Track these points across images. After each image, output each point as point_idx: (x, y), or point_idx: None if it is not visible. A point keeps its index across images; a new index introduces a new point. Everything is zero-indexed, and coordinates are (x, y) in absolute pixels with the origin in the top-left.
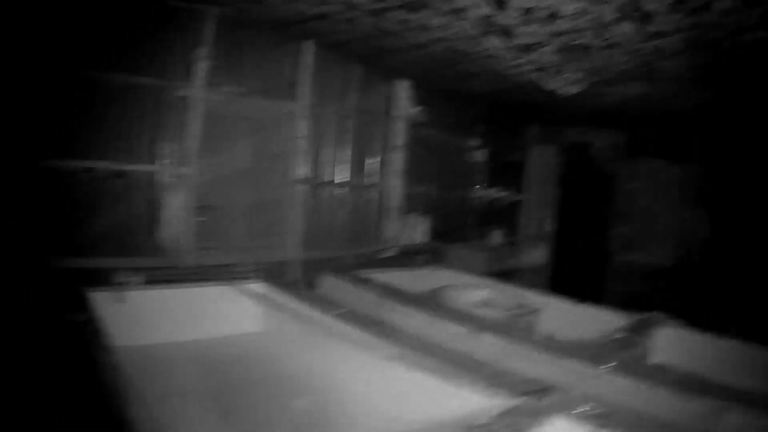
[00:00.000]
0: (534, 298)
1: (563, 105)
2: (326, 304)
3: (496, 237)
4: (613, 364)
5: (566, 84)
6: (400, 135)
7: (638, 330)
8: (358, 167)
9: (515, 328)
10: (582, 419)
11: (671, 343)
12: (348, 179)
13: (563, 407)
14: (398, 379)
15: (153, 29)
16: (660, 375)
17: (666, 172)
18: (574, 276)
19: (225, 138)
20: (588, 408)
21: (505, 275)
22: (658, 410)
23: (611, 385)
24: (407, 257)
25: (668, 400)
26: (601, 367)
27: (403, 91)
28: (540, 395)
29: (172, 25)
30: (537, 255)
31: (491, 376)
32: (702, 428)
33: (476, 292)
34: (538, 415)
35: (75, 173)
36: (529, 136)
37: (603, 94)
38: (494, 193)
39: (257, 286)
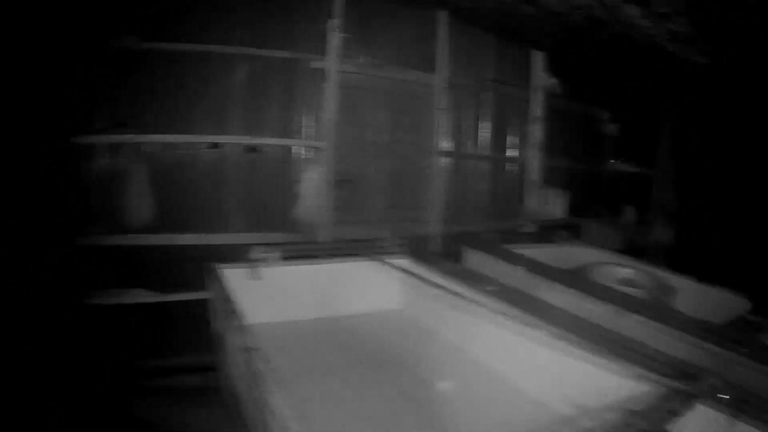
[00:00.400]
0: (671, 277)
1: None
2: (474, 279)
3: (629, 213)
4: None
5: (699, 55)
6: (537, 107)
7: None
8: (496, 140)
9: (658, 308)
10: (726, 406)
11: None
12: (487, 152)
13: (711, 392)
14: (547, 360)
15: (285, 1)
16: None
17: None
18: (707, 256)
19: (362, 110)
20: (730, 395)
21: (639, 253)
22: None
23: (752, 371)
24: (546, 232)
25: None
26: (742, 352)
27: (538, 62)
28: (690, 380)
29: None
30: (668, 232)
31: (641, 359)
32: None
33: (619, 270)
34: (690, 400)
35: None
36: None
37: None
38: (627, 167)
39: (400, 261)
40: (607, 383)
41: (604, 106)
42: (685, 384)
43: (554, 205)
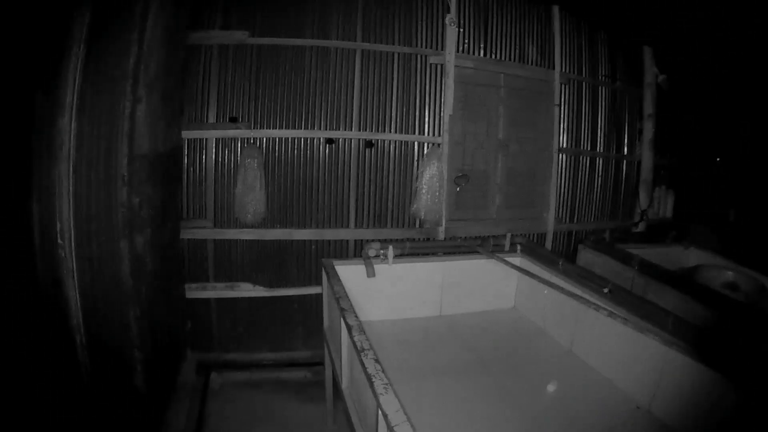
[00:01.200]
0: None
1: None
2: (589, 279)
3: (733, 216)
4: None
5: None
6: (649, 104)
7: None
8: (610, 137)
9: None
10: None
11: None
12: (602, 150)
13: None
14: (656, 364)
15: None
16: None
17: None
18: None
19: (480, 106)
20: None
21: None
22: None
23: None
24: (656, 232)
25: None
26: None
27: (650, 59)
28: None
29: None
30: None
31: (749, 369)
32: None
33: (723, 273)
34: None
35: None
36: None
37: None
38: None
39: (515, 260)
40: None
41: (719, 106)
42: None
43: (664, 204)
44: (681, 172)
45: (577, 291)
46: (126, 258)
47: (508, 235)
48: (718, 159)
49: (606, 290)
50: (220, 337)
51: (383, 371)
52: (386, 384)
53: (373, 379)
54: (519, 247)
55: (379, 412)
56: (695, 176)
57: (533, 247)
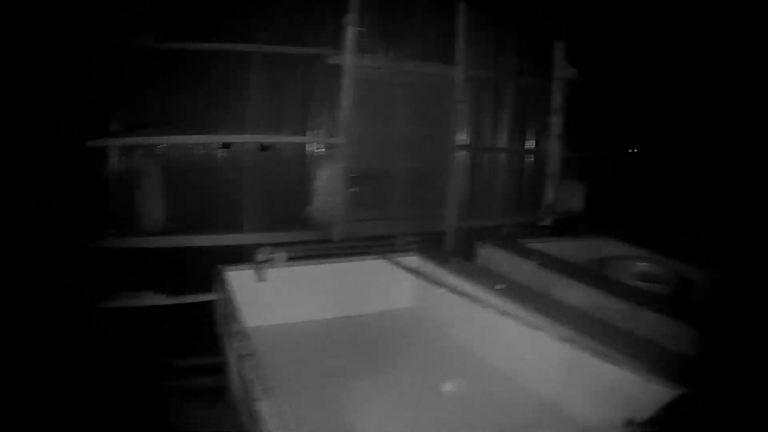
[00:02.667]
0: (692, 270)
1: None
2: (483, 277)
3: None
4: None
5: None
6: (557, 98)
7: None
8: (516, 132)
9: (674, 303)
10: None
11: None
12: (507, 144)
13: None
14: (558, 359)
15: None
16: None
17: None
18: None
19: (380, 105)
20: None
21: (666, 245)
22: None
23: None
24: (565, 226)
25: None
26: None
27: (559, 52)
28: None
29: None
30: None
31: (653, 360)
32: None
33: (636, 264)
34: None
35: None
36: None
37: None
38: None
39: (410, 259)
40: (614, 385)
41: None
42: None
43: (573, 197)
44: (595, 165)
45: (470, 289)
46: None
47: (403, 234)
48: (633, 150)
49: (498, 287)
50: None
51: (263, 377)
52: (265, 389)
53: (252, 385)
54: (414, 246)
55: (258, 419)
56: (611, 168)
57: (432, 245)
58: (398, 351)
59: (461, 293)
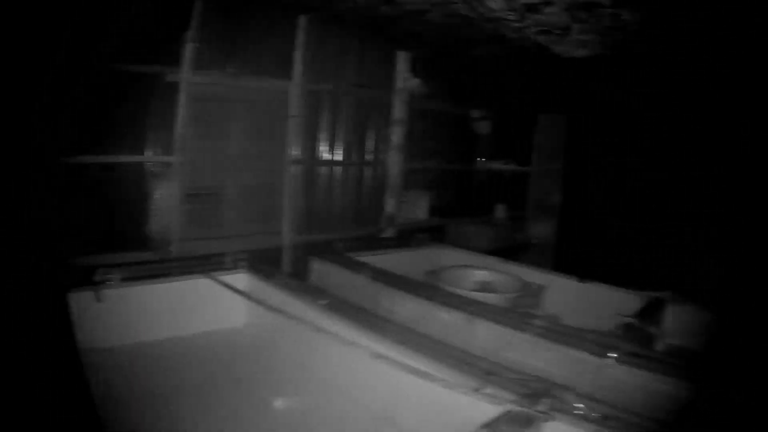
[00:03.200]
0: (538, 276)
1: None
2: (312, 293)
3: (501, 212)
4: (616, 354)
5: (575, 47)
6: (399, 109)
7: (647, 313)
8: (356, 144)
9: (515, 313)
10: (582, 419)
11: (684, 325)
12: (345, 157)
13: (562, 407)
14: (388, 376)
15: (139, 14)
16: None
17: None
18: (584, 250)
19: (217, 122)
20: (587, 407)
21: (512, 252)
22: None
23: (615, 377)
24: (407, 236)
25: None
26: (606, 357)
27: (402, 63)
28: (537, 397)
29: (160, 8)
30: (544, 229)
31: (486, 373)
32: None
33: (475, 273)
34: (535, 420)
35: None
36: (537, 106)
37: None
38: (500, 165)
39: (236, 277)
40: (444, 400)
41: (476, 105)
42: (531, 401)
43: (417, 207)
44: (444, 174)
45: (292, 305)
46: None
47: (238, 251)
48: (488, 159)
49: (321, 303)
50: None
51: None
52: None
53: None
54: (245, 263)
55: None
56: (462, 176)
57: (266, 262)
58: (229, 370)
59: (282, 311)
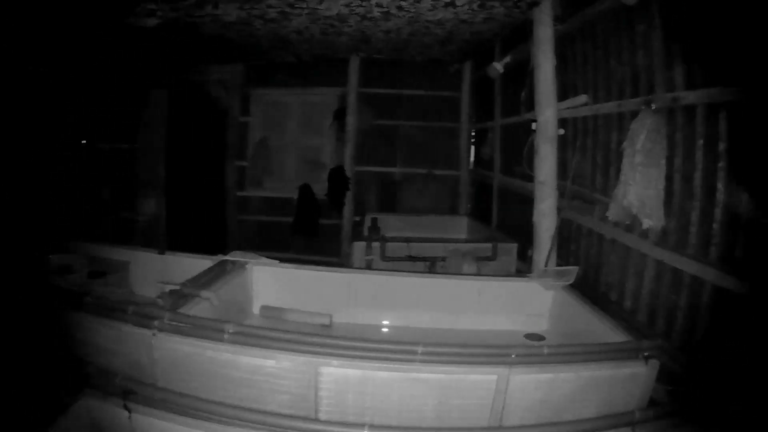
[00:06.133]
0: (123, 254)
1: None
2: None
3: (106, 194)
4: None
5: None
6: None
7: (213, 273)
8: None
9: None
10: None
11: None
12: None
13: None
14: None
15: None
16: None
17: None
18: (191, 221)
19: None
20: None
21: (120, 232)
22: None
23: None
24: None
25: None
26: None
27: None
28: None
29: None
30: (152, 206)
31: None
32: None
33: (56, 257)
34: None
35: None
36: (136, 82)
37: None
38: (103, 145)
39: None
40: None
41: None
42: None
43: None
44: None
45: None
46: None
47: None
48: (83, 142)
49: None
50: None
51: None
52: None
53: None
54: None
55: None
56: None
57: None
58: None
59: None
